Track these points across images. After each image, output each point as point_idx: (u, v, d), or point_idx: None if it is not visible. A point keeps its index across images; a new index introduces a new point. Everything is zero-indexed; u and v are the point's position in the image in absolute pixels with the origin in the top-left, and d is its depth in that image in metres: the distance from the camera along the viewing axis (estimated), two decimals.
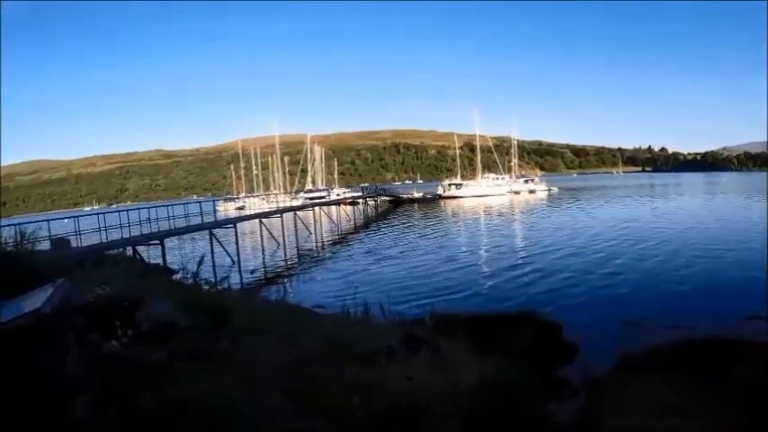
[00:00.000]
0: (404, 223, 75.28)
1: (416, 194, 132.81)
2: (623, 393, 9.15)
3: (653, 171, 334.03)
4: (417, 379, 7.70)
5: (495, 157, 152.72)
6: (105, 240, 33.99)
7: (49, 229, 27.27)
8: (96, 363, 6.45)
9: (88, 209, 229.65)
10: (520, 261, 36.17)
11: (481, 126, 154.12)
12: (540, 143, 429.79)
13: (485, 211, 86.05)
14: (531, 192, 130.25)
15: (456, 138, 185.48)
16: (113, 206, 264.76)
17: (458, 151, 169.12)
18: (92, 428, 5.22)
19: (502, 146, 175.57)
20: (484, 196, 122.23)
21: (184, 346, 7.81)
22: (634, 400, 8.73)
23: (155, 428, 5.51)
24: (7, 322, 4.97)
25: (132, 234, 36.83)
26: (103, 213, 38.72)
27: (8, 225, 20.22)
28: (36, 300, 5.41)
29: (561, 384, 10.74)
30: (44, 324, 4.89)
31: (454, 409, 6.69)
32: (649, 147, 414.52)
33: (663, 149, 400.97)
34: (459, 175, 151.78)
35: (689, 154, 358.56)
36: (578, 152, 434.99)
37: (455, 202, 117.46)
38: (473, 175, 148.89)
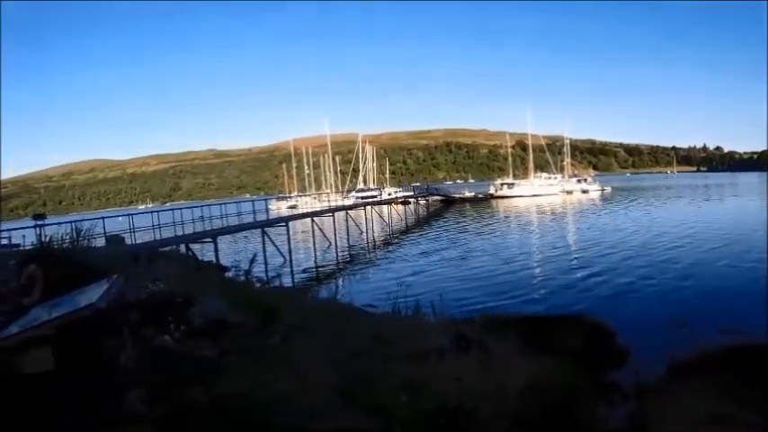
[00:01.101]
0: (455, 223, 74.98)
1: (468, 194, 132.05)
2: (673, 399, 9.04)
3: (708, 171, 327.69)
4: (466, 379, 7.68)
5: (547, 156, 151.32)
6: (159, 238, 34.43)
7: (104, 227, 27.68)
8: (149, 357, 6.56)
9: (142, 207, 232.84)
10: (572, 262, 35.91)
11: (533, 125, 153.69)
12: (592, 142, 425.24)
13: (537, 212, 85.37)
14: (584, 192, 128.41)
15: (508, 137, 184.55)
16: (167, 204, 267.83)
17: (510, 150, 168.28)
18: (144, 421, 5.32)
19: (554, 145, 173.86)
20: (536, 196, 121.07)
21: (236, 343, 7.90)
22: (684, 406, 8.63)
23: (206, 423, 5.60)
24: (65, 315, 5.11)
25: (185, 232, 37.27)
26: (157, 212, 39.19)
27: (65, 222, 20.61)
28: (92, 295, 5.54)
29: (611, 388, 10.63)
30: (100, 318, 5.01)
31: (503, 410, 6.68)
32: (704, 146, 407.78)
33: (718, 148, 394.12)
34: (511, 175, 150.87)
35: (745, 153, 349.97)
36: (632, 151, 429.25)
37: (507, 201, 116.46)
38: (525, 175, 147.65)
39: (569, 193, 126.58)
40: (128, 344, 5.34)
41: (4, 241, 29.36)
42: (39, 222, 29.28)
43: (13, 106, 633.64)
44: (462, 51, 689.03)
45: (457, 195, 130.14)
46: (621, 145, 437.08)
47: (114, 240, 26.23)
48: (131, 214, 35.54)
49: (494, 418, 6.45)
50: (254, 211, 46.68)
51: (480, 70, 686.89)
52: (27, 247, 20.76)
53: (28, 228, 27.90)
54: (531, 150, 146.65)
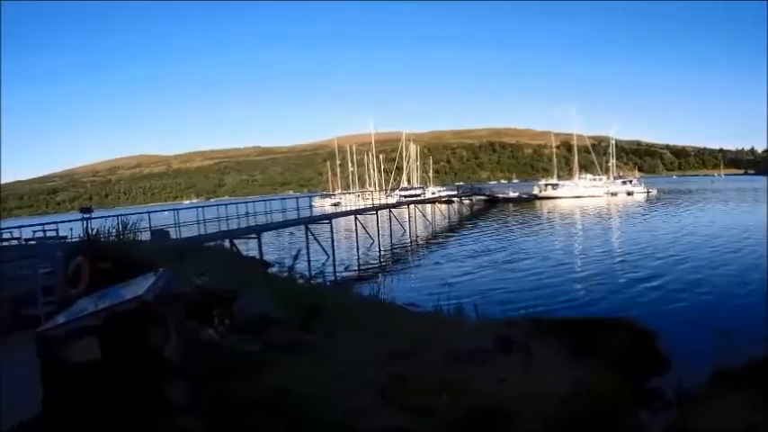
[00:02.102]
0: (499, 223, 74.57)
1: (512, 194, 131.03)
2: (715, 408, 8.90)
3: (755, 174, 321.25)
4: (508, 382, 7.63)
5: (592, 157, 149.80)
6: (204, 233, 34.70)
7: (150, 221, 27.93)
8: (193, 350, 6.62)
9: (187, 202, 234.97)
10: (617, 265, 35.46)
11: (578, 125, 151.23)
12: (638, 143, 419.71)
13: (581, 213, 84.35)
14: (629, 194, 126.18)
15: (553, 137, 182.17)
16: (211, 200, 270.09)
17: (554, 151, 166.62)
18: (187, 413, 5.36)
19: (599, 145, 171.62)
20: (580, 197, 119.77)
21: (279, 338, 7.94)
22: (725, 416, 8.49)
23: (247, 416, 5.63)
24: (112, 307, 5.17)
25: (230, 227, 37.55)
26: (202, 207, 39.52)
27: (111, 216, 20.85)
28: (139, 287, 5.60)
29: (654, 395, 10.50)
30: (146, 311, 5.06)
31: (544, 415, 6.62)
32: (752, 148, 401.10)
33: (767, 151, 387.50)
34: (555, 176, 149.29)
35: None
36: (678, 153, 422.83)
37: (551, 202, 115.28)
38: (570, 176, 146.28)
39: (614, 194, 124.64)
40: (173, 336, 5.38)
41: (51, 233, 29.82)
42: (85, 216, 29.63)
43: (60, 101, 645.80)
44: (507, 51, 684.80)
45: (501, 195, 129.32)
46: (668, 146, 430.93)
47: (159, 234, 26.46)
48: (176, 209, 35.85)
49: (535, 422, 6.40)
50: (298, 208, 46.87)
51: (525, 70, 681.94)
52: (74, 240, 21.10)
53: (75, 221, 28.31)
54: (575, 151, 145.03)
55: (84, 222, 25.49)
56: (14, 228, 33.67)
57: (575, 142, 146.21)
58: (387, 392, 6.76)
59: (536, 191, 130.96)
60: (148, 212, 28.61)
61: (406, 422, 6.00)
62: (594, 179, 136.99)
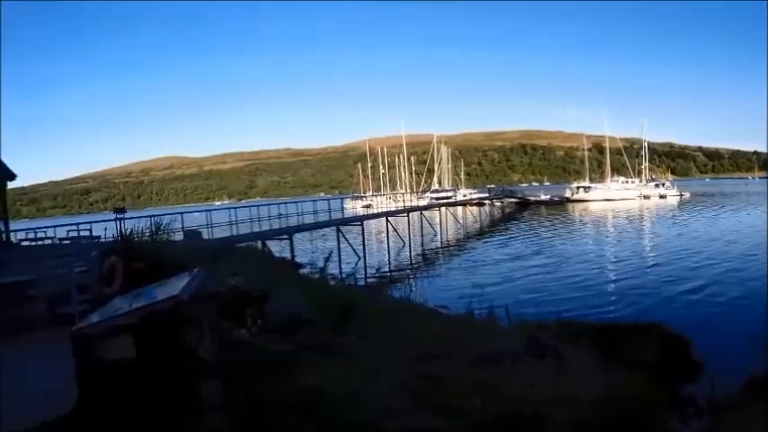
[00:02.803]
0: (530, 226, 74.23)
1: (543, 197, 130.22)
2: (747, 417, 8.80)
3: None
4: (539, 386, 7.59)
5: (624, 159, 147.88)
6: (236, 234, 34.88)
7: (182, 222, 28.11)
8: (226, 350, 6.65)
9: (218, 203, 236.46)
10: (649, 269, 35.13)
11: (610, 127, 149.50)
12: (671, 145, 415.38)
13: (614, 216, 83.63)
14: (662, 197, 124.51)
15: (585, 139, 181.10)
16: (242, 201, 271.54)
17: (586, 153, 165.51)
18: (219, 411, 5.40)
19: (632, 148, 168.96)
20: (612, 200, 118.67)
21: (311, 339, 7.96)
22: (757, 424, 8.39)
23: (279, 415, 5.65)
24: (147, 306, 5.22)
25: (262, 228, 37.71)
26: (234, 208, 39.74)
27: (144, 216, 21.02)
28: (174, 287, 5.64)
29: (685, 401, 10.39)
30: (181, 310, 5.09)
31: (575, 418, 6.58)
32: None
33: None
34: (587, 178, 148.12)
35: None
36: (711, 155, 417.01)
37: (583, 205, 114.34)
38: (602, 178, 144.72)
39: (647, 197, 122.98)
40: (206, 336, 5.42)
41: (85, 233, 30.12)
42: (119, 216, 29.93)
43: (94, 103, 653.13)
44: (539, 52, 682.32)
45: (532, 198, 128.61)
46: (700, 148, 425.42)
47: (192, 235, 26.65)
48: (208, 210, 36.06)
49: (565, 426, 6.36)
50: (329, 210, 46.99)
51: (557, 71, 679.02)
52: (108, 240, 21.29)
53: (108, 221, 28.55)
54: (608, 153, 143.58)
55: (118, 222, 25.79)
56: (49, 227, 34.06)
57: (607, 144, 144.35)
58: (418, 394, 6.77)
59: (568, 193, 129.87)
60: (181, 213, 28.82)
61: (437, 424, 6.00)
62: (627, 182, 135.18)
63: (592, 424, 6.53)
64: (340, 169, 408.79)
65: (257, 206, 41.54)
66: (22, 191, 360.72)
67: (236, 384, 6.01)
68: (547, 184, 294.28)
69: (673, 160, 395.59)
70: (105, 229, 25.39)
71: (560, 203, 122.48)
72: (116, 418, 5.00)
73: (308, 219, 44.45)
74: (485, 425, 6.03)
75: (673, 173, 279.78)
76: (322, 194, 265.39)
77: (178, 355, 5.13)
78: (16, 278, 12.32)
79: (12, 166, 36.48)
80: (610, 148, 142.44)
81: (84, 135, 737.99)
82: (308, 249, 43.76)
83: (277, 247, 37.40)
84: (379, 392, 6.62)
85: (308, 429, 5.53)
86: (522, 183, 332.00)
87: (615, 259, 40.90)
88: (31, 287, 11.95)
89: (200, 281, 6.14)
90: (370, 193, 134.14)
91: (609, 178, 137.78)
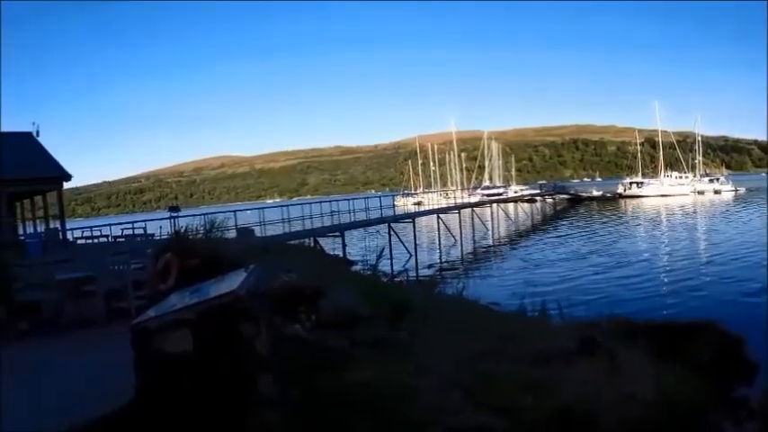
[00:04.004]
0: (583, 223, 73.53)
1: (595, 193, 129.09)
2: None
3: None
4: (592, 385, 7.55)
5: (677, 153, 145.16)
6: (288, 231, 35.16)
7: (236, 219, 28.39)
8: (281, 345, 6.72)
9: (270, 201, 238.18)
10: (705, 267, 34.50)
11: (663, 120, 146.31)
12: (725, 139, 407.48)
13: (668, 212, 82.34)
14: (716, 192, 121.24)
15: (637, 133, 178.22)
16: (294, 199, 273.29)
17: (638, 147, 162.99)
18: (276, 405, 5.46)
19: (685, 142, 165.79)
20: (666, 196, 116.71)
21: (365, 335, 7.99)
22: None
23: (335, 410, 5.70)
24: (206, 301, 5.30)
25: (314, 226, 37.95)
26: (286, 206, 40.05)
27: (198, 214, 21.29)
28: (231, 282, 5.72)
29: (739, 404, 10.23)
30: (239, 305, 5.17)
31: (627, 419, 6.53)
32: None
33: None
34: (639, 173, 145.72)
35: None
36: (766, 149, 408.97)
37: (636, 201, 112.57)
38: (655, 173, 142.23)
39: (701, 193, 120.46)
40: (263, 331, 5.49)
41: (139, 231, 30.66)
42: (173, 214, 30.40)
43: (146, 105, 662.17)
44: (589, 45, 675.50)
45: (584, 194, 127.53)
46: (756, 142, 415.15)
47: (244, 232, 26.90)
48: (260, 208, 36.38)
49: (617, 426, 6.32)
50: (380, 207, 47.10)
51: (607, 64, 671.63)
52: (162, 237, 21.62)
53: (162, 219, 28.97)
54: (660, 148, 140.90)
55: (172, 220, 26.15)
56: (103, 226, 34.71)
57: (659, 138, 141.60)
58: (471, 391, 6.76)
59: (620, 189, 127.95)
60: (234, 211, 29.11)
61: (491, 422, 5.99)
62: (680, 177, 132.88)
63: (643, 425, 6.47)
64: (390, 167, 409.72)
65: (309, 204, 41.80)
66: (77, 191, 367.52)
67: (291, 379, 6.06)
68: (599, 179, 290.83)
69: (727, 154, 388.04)
70: (160, 227, 25.80)
71: (612, 199, 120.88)
72: (174, 410, 5.09)
73: (360, 216, 44.60)
74: (538, 423, 6.02)
75: (727, 167, 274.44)
76: (372, 192, 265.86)
77: (235, 349, 5.21)
78: (75, 275, 12.58)
79: (66, 166, 37.26)
80: (662, 143, 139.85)
81: (137, 136, 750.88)
82: (359, 246, 43.89)
83: (328, 245, 37.60)
84: (433, 389, 6.63)
85: (363, 425, 5.56)
86: (573, 179, 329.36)
87: (669, 257, 40.27)
88: (90, 283, 12.19)
89: (257, 277, 6.23)
90: (421, 190, 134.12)
91: (662, 173, 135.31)
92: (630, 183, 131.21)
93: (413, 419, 5.80)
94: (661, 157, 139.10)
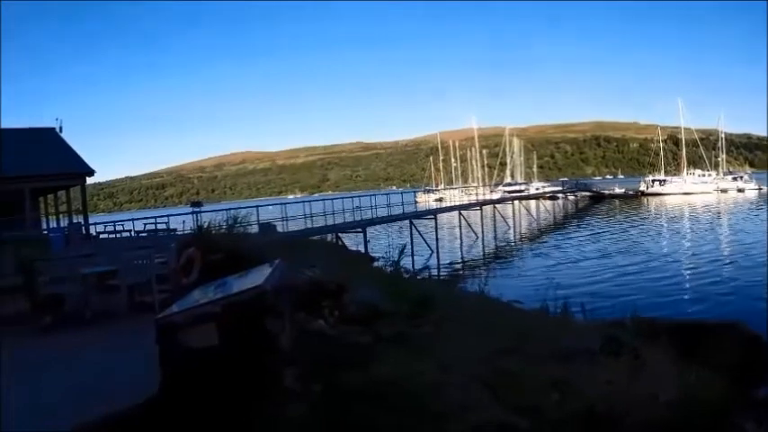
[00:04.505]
0: (605, 221, 73.12)
1: (617, 190, 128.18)
2: None
3: None
4: (616, 383, 7.51)
5: (700, 151, 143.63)
6: (310, 226, 35.26)
7: (258, 215, 28.46)
8: (304, 340, 6.73)
9: (291, 197, 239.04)
10: (729, 267, 34.16)
11: (685, 118, 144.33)
12: (749, 136, 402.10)
13: (690, 211, 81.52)
14: (740, 190, 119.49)
15: (659, 130, 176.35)
16: (315, 195, 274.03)
17: (661, 145, 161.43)
18: (299, 398, 5.47)
19: (708, 139, 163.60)
20: (688, 194, 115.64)
21: (388, 330, 7.99)
22: None
23: (358, 405, 5.70)
24: (232, 295, 5.32)
25: (336, 222, 38.01)
26: (308, 201, 40.14)
27: (220, 210, 21.36)
28: (256, 277, 5.74)
29: (763, 405, 10.16)
30: (265, 300, 5.19)
31: (651, 419, 6.49)
32: None
33: None
34: (662, 171, 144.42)
35: None
36: None
37: (658, 199, 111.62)
38: (677, 171, 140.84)
39: (724, 191, 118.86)
40: (287, 326, 5.50)
41: (162, 226, 30.86)
42: (196, 209, 30.55)
43: (168, 101, 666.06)
44: (611, 40, 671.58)
45: (606, 192, 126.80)
46: None
47: (267, 228, 27.02)
48: (282, 203, 36.49)
49: (642, 426, 6.28)
50: (402, 203, 47.10)
51: (629, 60, 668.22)
52: (185, 232, 21.74)
53: (185, 214, 29.11)
54: (683, 145, 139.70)
55: (195, 215, 26.27)
56: (126, 221, 34.91)
57: (682, 136, 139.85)
58: (494, 388, 6.74)
59: (642, 187, 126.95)
60: (256, 207, 29.17)
61: (514, 419, 5.98)
62: (703, 175, 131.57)
63: (667, 425, 6.43)
64: (411, 163, 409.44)
65: (331, 200, 41.85)
66: (99, 186, 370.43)
67: (314, 374, 6.07)
68: (621, 176, 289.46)
69: (751, 152, 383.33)
70: (183, 222, 25.93)
71: (635, 197, 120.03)
72: (199, 403, 5.11)
73: (381, 212, 44.62)
74: (562, 421, 6.00)
75: (751, 165, 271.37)
76: (394, 188, 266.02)
77: (260, 343, 5.22)
78: (100, 269, 12.68)
79: (88, 162, 37.54)
80: (685, 140, 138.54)
81: (158, 132, 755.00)
82: (380, 242, 43.90)
83: (349, 240, 37.65)
84: (456, 385, 6.62)
85: (387, 420, 5.56)
86: (595, 176, 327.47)
87: (693, 255, 39.97)
88: (114, 277, 12.28)
89: (281, 272, 6.24)
90: (442, 186, 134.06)
91: (684, 171, 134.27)
92: (653, 180, 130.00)
93: (437, 415, 5.79)
94: (684, 155, 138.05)
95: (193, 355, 5.20)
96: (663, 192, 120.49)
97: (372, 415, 5.59)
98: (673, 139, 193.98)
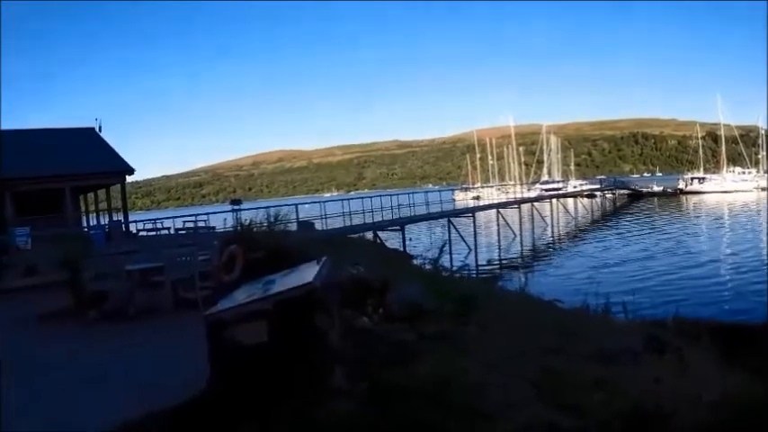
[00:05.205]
0: (644, 219, 72.41)
1: (656, 188, 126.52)
2: None
3: None
4: (662, 383, 7.45)
5: (740, 148, 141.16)
6: (348, 224, 35.38)
7: (297, 213, 28.59)
8: (350, 337, 6.76)
9: (328, 195, 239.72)
10: None
11: (725, 114, 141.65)
12: None
13: (730, 209, 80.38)
14: None
15: (698, 127, 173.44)
16: (351, 193, 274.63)
17: (700, 142, 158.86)
18: (348, 396, 5.49)
19: (748, 136, 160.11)
20: (728, 192, 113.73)
21: (432, 328, 8.00)
22: None
23: (405, 402, 5.71)
24: (282, 292, 5.36)
25: (374, 220, 38.11)
26: (347, 199, 40.26)
27: (260, 207, 21.50)
28: (305, 274, 5.77)
29: None
30: (314, 297, 5.22)
31: (696, 419, 6.43)
32: None
33: None
34: (701, 169, 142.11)
35: None
36: None
37: (697, 197, 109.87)
38: (716, 169, 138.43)
39: (764, 189, 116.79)
40: (336, 323, 5.54)
41: (201, 224, 31.09)
42: (236, 207, 30.77)
43: (206, 100, 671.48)
44: (649, 35, 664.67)
45: (644, 190, 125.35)
46: None
47: (305, 225, 27.11)
48: (320, 201, 36.65)
49: (687, 426, 6.22)
50: (441, 201, 47.11)
51: (667, 55, 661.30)
52: (226, 230, 21.91)
53: (224, 212, 29.35)
54: (722, 142, 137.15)
55: (234, 213, 26.43)
56: (166, 218, 35.28)
57: (721, 133, 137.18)
58: (538, 387, 6.73)
59: (681, 185, 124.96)
60: (295, 205, 29.32)
61: (560, 418, 5.95)
62: (743, 173, 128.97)
63: (710, 426, 6.37)
64: (448, 160, 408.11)
65: (369, 198, 41.95)
66: (137, 184, 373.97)
67: (361, 371, 6.10)
68: (659, 174, 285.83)
69: None
70: (225, 219, 26.10)
71: (673, 195, 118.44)
72: (248, 399, 5.15)
73: (419, 210, 44.65)
74: (609, 420, 5.96)
75: None
76: (430, 186, 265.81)
77: (310, 340, 5.26)
78: (144, 265, 12.85)
79: (127, 160, 37.99)
80: (725, 137, 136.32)
81: (195, 130, 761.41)
82: (418, 240, 43.89)
83: (388, 238, 37.69)
84: (501, 384, 6.61)
85: (432, 418, 5.56)
86: (633, 173, 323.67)
87: (734, 255, 39.47)
88: (158, 274, 12.42)
89: (329, 269, 6.28)
90: (479, 184, 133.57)
91: (724, 169, 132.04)
92: (692, 178, 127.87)
93: (482, 414, 5.79)
94: (723, 152, 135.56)
95: (243, 352, 5.25)
96: (702, 190, 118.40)
97: (419, 413, 5.61)
98: (711, 135, 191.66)
